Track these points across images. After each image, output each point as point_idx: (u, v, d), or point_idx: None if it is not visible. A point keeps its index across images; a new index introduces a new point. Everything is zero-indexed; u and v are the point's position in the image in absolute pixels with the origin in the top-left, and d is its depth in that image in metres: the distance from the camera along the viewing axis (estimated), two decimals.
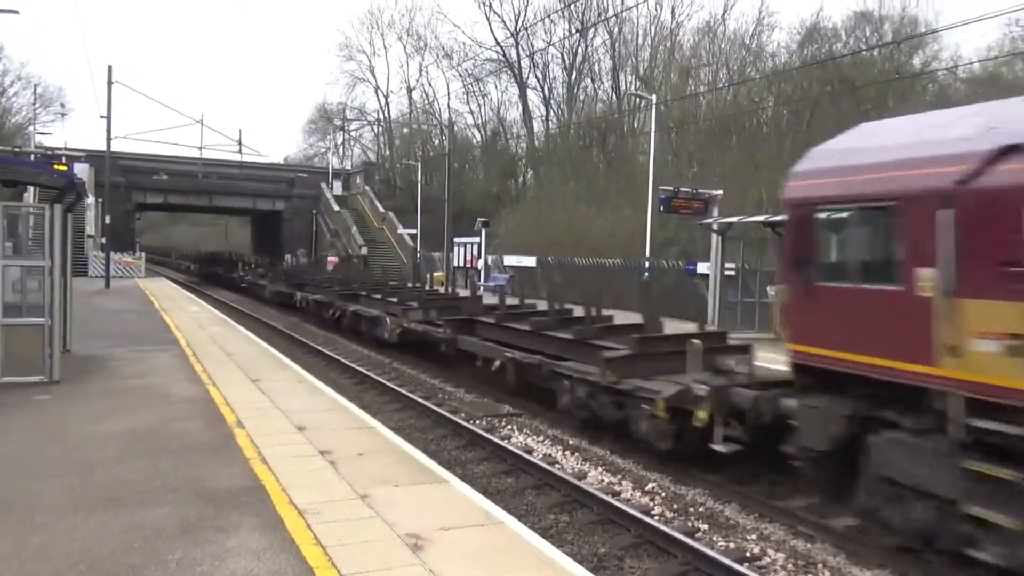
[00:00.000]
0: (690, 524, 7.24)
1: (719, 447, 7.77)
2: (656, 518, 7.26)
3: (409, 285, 24.03)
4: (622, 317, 13.94)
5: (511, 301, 16.09)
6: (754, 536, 6.95)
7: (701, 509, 7.63)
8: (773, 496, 7.68)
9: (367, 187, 58.12)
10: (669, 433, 8.33)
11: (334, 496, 5.83)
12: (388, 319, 16.86)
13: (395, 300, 18.44)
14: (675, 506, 7.73)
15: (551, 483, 8.23)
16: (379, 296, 19.64)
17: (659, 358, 9.58)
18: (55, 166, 25.07)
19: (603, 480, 8.56)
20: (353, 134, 74.70)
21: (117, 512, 5.39)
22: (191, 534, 5.02)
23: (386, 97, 69.48)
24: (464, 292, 23.69)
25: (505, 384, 12.26)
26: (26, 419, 8.21)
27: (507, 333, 13.07)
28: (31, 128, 53.54)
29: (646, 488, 8.25)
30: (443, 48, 64.06)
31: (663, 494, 8.06)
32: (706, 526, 7.20)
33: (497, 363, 11.93)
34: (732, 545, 6.77)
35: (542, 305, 15.40)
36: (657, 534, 6.70)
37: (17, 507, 5.46)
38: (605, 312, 13.39)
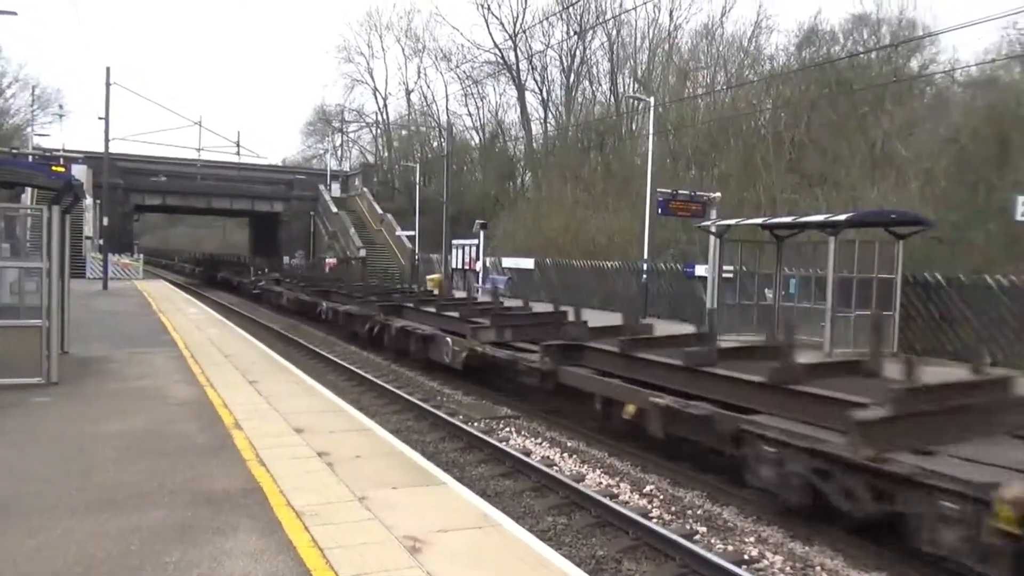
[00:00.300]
0: (688, 526, 7.24)
1: None
2: (654, 520, 7.25)
3: (476, 298, 21.23)
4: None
5: (603, 320, 12.61)
6: (752, 538, 6.96)
7: (699, 511, 7.63)
8: (771, 499, 7.67)
9: (365, 189, 58.13)
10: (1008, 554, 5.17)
11: (332, 498, 5.83)
12: (450, 339, 14.06)
13: (455, 315, 15.53)
14: (673, 508, 7.73)
15: (549, 485, 8.23)
16: (432, 309, 16.55)
17: (941, 417, 6.48)
18: (53, 167, 25.04)
19: (601, 482, 8.55)
20: (351, 136, 74.77)
21: (115, 514, 5.38)
22: (189, 536, 5.01)
23: (384, 99, 69.55)
24: (458, 295, 23.59)
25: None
26: (23, 421, 8.20)
27: (638, 367, 9.50)
28: (29, 129, 53.54)
29: (644, 490, 8.25)
30: (441, 50, 64.38)
31: (661, 496, 8.06)
32: (704, 528, 7.20)
33: (631, 409, 8.86)
34: (730, 547, 6.77)
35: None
36: (655, 536, 6.70)
37: (14, 509, 5.45)
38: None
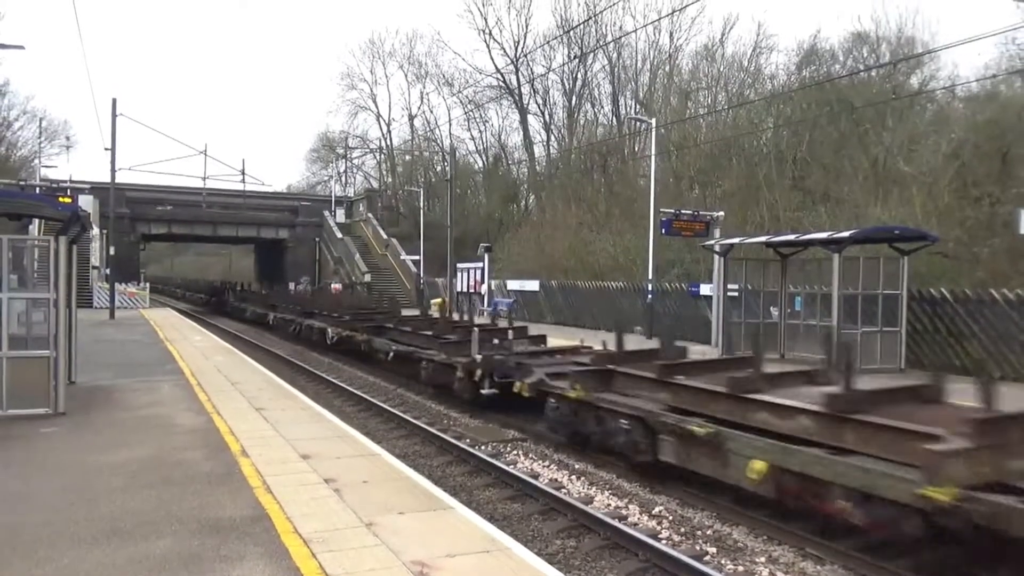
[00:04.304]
0: (698, 547, 7.19)
1: None
2: (664, 542, 7.20)
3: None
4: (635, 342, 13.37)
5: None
6: (763, 559, 6.90)
7: (709, 532, 7.57)
8: (781, 518, 7.62)
9: (370, 214, 58.39)
10: None
11: (339, 524, 5.81)
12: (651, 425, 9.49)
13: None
14: (682, 529, 7.67)
15: (557, 508, 8.18)
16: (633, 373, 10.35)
17: None
18: (59, 199, 25.28)
19: (610, 504, 8.50)
20: (355, 162, 75.14)
21: (122, 543, 5.37)
22: (196, 565, 5.00)
23: (388, 125, 70.03)
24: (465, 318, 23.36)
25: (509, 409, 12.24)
26: (31, 451, 8.20)
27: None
28: (36, 161, 53.96)
29: (653, 512, 8.19)
30: (444, 75, 64.63)
31: (670, 517, 8.01)
32: (714, 549, 7.15)
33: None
34: (740, 568, 6.72)
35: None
36: (665, 558, 6.65)
37: (22, 539, 5.44)
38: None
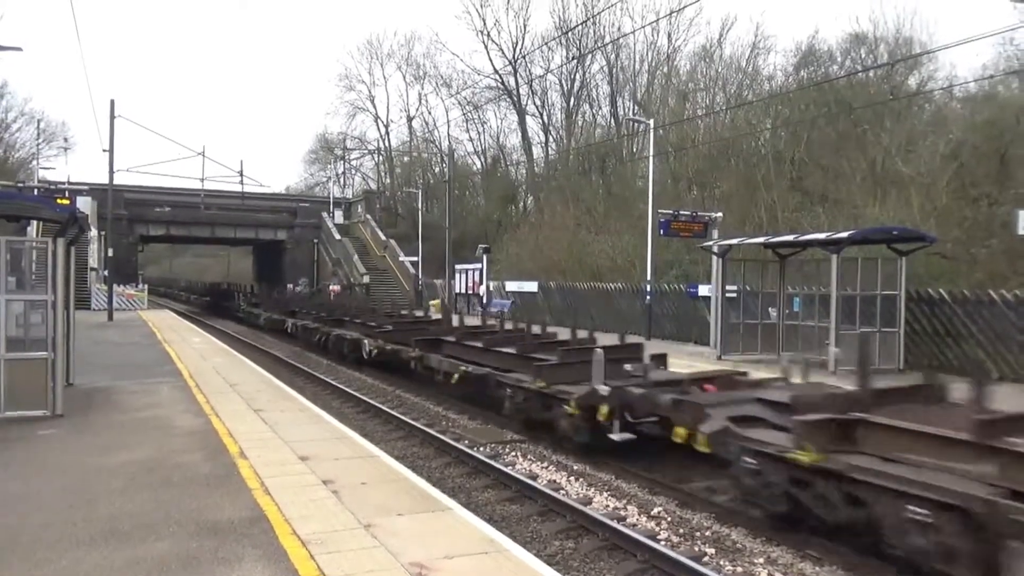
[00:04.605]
0: (697, 548, 7.19)
1: None
2: (662, 543, 7.21)
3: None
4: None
5: None
6: (761, 560, 6.90)
7: (707, 533, 7.58)
8: (780, 519, 7.62)
9: (368, 216, 58.37)
10: None
11: (337, 526, 5.81)
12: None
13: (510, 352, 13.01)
14: (681, 530, 7.67)
15: (556, 509, 8.18)
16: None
17: None
18: (58, 200, 25.26)
19: (608, 505, 8.50)
20: (354, 163, 75.15)
21: (120, 545, 5.37)
22: (194, 567, 4.99)
23: (386, 126, 69.99)
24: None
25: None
26: (29, 453, 8.20)
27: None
28: (34, 163, 53.81)
29: (652, 512, 8.20)
30: (442, 77, 64.60)
31: (669, 518, 8.01)
32: (713, 550, 7.15)
33: None
34: (739, 569, 6.72)
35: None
36: (663, 559, 6.65)
37: (21, 541, 5.44)
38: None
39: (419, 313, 27.95)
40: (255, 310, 34.90)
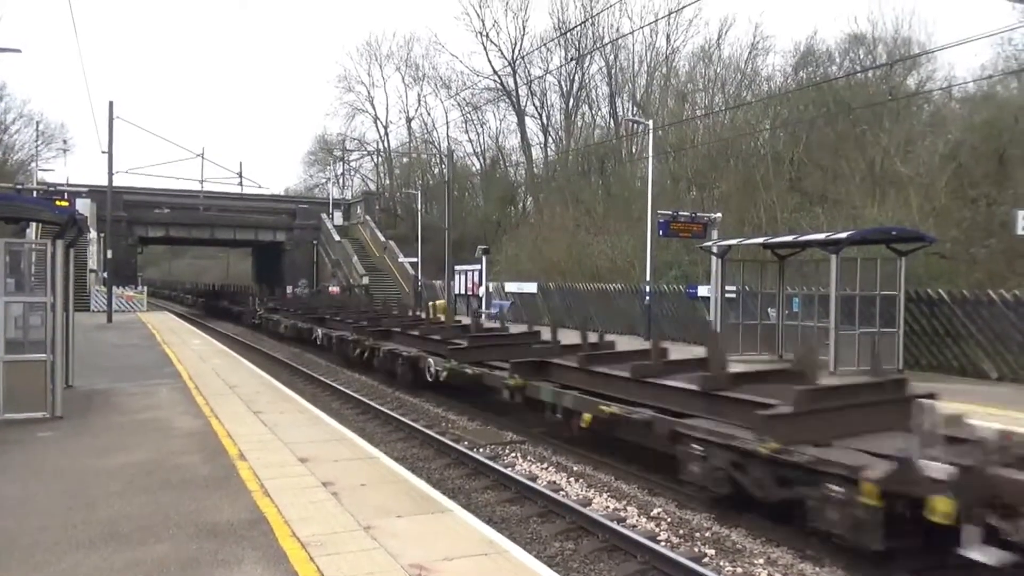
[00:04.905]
0: (696, 549, 7.19)
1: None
2: (662, 544, 7.20)
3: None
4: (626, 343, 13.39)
5: None
6: (761, 560, 6.90)
7: (707, 534, 7.57)
8: (780, 520, 7.62)
9: (367, 217, 58.40)
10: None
11: (337, 527, 5.81)
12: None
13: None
14: (681, 531, 7.67)
15: (556, 510, 8.17)
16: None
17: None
18: (57, 202, 25.27)
19: (608, 506, 8.50)
20: (353, 164, 75.17)
21: (119, 548, 5.36)
22: (194, 569, 4.99)
23: (385, 127, 70.06)
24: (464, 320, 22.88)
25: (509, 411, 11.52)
26: (28, 456, 8.19)
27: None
28: (33, 164, 53.85)
29: (652, 513, 8.19)
30: (441, 78, 64.64)
31: (669, 519, 8.01)
32: (713, 551, 7.15)
33: None
34: (739, 570, 6.72)
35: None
36: (664, 560, 6.64)
37: (19, 544, 5.43)
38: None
39: (463, 319, 22.79)
40: (274, 316, 30.37)
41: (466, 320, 21.10)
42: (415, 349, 16.09)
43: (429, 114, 73.92)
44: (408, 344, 16.85)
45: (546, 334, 14.28)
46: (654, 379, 9.31)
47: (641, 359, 10.25)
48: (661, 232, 23.68)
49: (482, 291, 36.43)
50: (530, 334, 15.27)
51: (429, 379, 14.69)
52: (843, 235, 16.52)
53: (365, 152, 73.46)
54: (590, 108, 54.14)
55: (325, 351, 21.74)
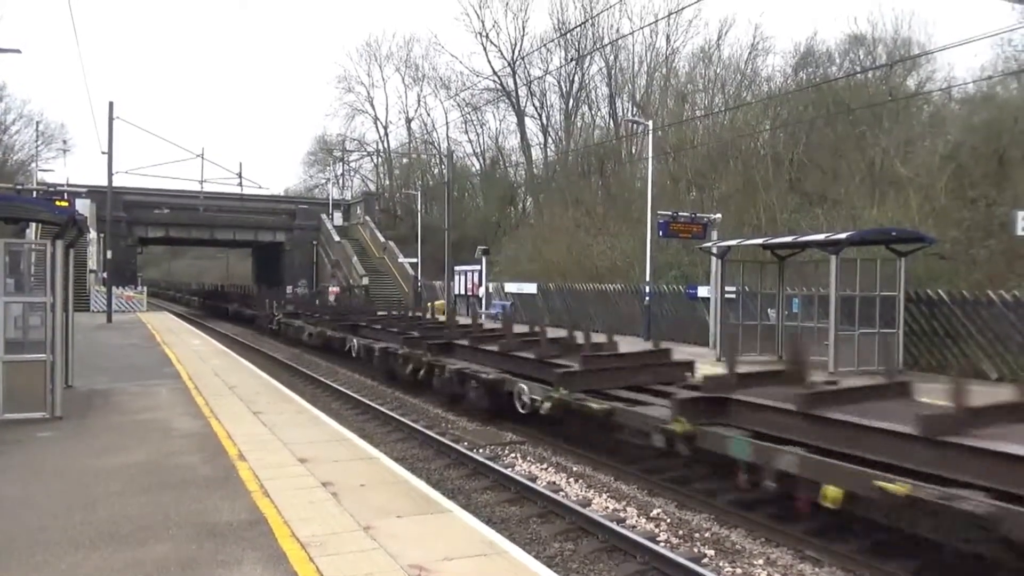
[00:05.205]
0: (696, 550, 7.19)
1: None
2: (662, 544, 7.20)
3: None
4: (628, 344, 13.43)
5: None
6: (761, 561, 6.90)
7: (707, 534, 7.57)
8: (779, 520, 7.62)
9: (367, 217, 58.38)
10: None
11: (337, 528, 5.81)
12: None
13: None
14: (681, 532, 7.67)
15: (555, 511, 8.17)
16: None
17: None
18: (56, 202, 25.25)
19: (608, 507, 8.50)
20: (353, 165, 75.19)
21: (119, 548, 5.36)
22: (193, 569, 4.99)
23: (385, 128, 70.07)
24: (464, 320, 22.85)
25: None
26: (27, 456, 8.19)
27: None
28: (33, 165, 53.86)
29: (651, 514, 8.19)
30: (441, 79, 64.68)
31: (668, 520, 8.01)
32: (712, 551, 7.15)
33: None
34: (739, 571, 6.72)
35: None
36: (663, 561, 6.65)
37: (19, 545, 5.43)
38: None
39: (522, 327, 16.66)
40: (295, 321, 26.71)
41: (466, 320, 21.10)
42: (494, 369, 12.79)
43: (429, 115, 73.98)
44: (482, 362, 13.49)
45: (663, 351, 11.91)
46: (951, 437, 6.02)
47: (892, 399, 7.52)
48: (661, 233, 23.68)
49: (482, 292, 36.43)
50: (657, 352, 11.84)
51: (522, 411, 11.39)
52: (843, 236, 16.52)
53: (365, 153, 73.55)
54: (590, 109, 54.22)
55: (360, 364, 18.57)
